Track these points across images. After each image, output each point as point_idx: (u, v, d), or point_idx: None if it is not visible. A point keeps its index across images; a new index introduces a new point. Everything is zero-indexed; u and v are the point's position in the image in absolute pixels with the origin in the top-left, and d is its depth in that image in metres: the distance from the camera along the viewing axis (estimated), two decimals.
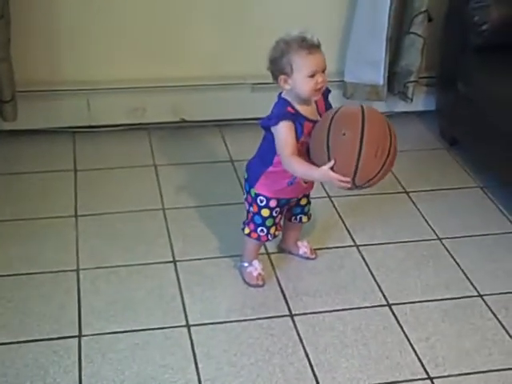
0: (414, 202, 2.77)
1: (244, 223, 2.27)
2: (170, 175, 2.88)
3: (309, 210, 2.35)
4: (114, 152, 3.02)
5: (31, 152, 2.97)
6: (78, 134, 3.09)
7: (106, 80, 3.04)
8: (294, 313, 2.20)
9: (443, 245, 2.54)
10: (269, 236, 2.24)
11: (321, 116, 2.10)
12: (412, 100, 3.17)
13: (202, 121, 3.20)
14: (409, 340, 2.12)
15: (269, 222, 2.21)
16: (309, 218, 2.37)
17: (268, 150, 2.13)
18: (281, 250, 2.46)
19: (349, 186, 2.00)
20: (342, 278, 2.36)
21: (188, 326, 2.13)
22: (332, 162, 1.97)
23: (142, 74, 3.08)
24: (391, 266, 2.39)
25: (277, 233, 2.27)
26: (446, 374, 2.01)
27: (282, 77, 2.04)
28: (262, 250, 2.43)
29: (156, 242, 2.48)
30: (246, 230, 2.25)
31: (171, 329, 2.12)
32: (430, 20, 3.04)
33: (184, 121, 3.18)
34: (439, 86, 3.23)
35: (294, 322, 2.16)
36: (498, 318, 2.21)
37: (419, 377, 2.00)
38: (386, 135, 1.98)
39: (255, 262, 2.30)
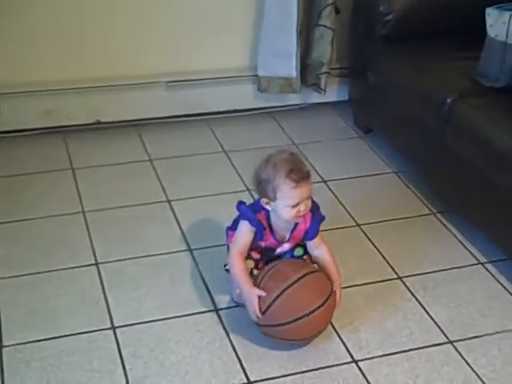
0: (331, 191, 2.82)
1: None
2: (88, 177, 2.84)
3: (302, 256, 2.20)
4: (29, 157, 2.96)
5: None
6: None
7: (16, 83, 2.98)
8: (218, 307, 2.21)
9: (362, 231, 2.60)
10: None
11: (291, 236, 2.10)
12: (325, 91, 3.22)
13: (118, 121, 3.17)
14: (333, 326, 2.15)
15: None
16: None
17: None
18: None
19: (255, 319, 2.01)
20: None
21: (113, 327, 2.11)
22: (263, 293, 1.97)
23: (54, 75, 3.03)
24: None
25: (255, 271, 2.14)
26: (369, 356, 2.06)
27: (265, 199, 2.01)
28: (184, 245, 2.44)
29: (77, 246, 2.45)
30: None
31: (96, 332, 2.09)
32: (337, 12, 3.10)
33: (99, 122, 3.14)
34: (351, 77, 3.29)
35: (219, 316, 2.17)
36: (416, 298, 2.28)
37: (344, 361, 2.04)
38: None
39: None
